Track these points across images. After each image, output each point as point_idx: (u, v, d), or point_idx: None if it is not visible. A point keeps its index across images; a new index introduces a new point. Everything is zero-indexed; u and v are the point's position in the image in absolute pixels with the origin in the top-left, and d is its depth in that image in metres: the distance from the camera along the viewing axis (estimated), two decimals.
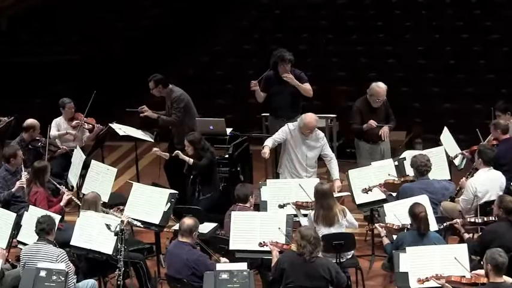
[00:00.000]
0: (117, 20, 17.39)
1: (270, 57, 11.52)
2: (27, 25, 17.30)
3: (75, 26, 17.19)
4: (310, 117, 10.52)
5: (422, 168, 9.47)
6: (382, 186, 9.77)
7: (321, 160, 10.81)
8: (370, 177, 9.90)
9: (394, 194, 9.70)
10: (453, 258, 7.99)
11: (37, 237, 8.70)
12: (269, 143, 10.63)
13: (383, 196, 9.80)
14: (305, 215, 9.29)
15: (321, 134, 10.72)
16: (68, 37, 16.99)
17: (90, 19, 17.33)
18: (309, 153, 10.62)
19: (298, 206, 9.42)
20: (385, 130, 11.03)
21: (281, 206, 9.45)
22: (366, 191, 9.77)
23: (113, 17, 17.47)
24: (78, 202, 9.84)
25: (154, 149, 11.01)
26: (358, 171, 10.07)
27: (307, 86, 11.35)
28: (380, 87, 11.02)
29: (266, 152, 10.52)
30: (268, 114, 11.83)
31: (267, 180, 10.25)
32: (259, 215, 8.98)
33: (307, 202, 9.40)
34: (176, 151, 10.59)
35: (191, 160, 10.46)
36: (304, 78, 11.38)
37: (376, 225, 9.03)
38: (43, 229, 8.61)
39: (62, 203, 9.85)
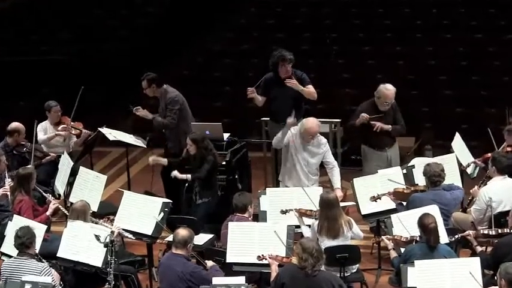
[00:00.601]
0: (108, 18, 17.40)
1: (270, 58, 11.50)
2: (12, 22, 17.31)
3: (64, 24, 17.19)
4: (311, 122, 10.51)
5: (435, 178, 9.45)
6: (392, 195, 9.76)
7: (323, 168, 10.79)
8: (376, 186, 9.89)
9: (405, 204, 9.69)
10: (465, 272, 7.97)
11: None
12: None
13: (390, 206, 9.79)
14: (308, 225, 9.28)
15: (323, 140, 10.71)
16: (56, 35, 16.99)
17: (80, 16, 17.34)
18: (310, 160, 10.63)
19: (301, 213, 9.41)
20: (380, 124, 10.97)
21: (283, 212, 9.45)
22: (375, 199, 9.75)
23: (105, 15, 17.48)
24: (66, 212, 9.83)
25: (151, 157, 10.98)
26: (364, 180, 10.05)
27: (310, 89, 11.34)
28: (388, 89, 11.02)
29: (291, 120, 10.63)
30: (268, 118, 11.82)
31: (267, 188, 10.24)
32: (258, 226, 8.97)
33: (311, 211, 9.39)
34: (173, 172, 10.55)
35: (189, 176, 10.47)
36: (306, 80, 11.38)
37: (383, 237, 9.01)
38: (22, 243, 8.56)
39: (48, 213, 9.83)
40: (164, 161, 10.97)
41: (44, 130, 12.00)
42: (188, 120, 11.59)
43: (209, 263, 8.62)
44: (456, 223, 9.72)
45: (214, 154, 10.66)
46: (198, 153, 10.54)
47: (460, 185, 10.21)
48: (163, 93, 11.56)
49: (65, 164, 11.15)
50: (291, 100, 11.35)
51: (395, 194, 9.77)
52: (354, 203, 10.02)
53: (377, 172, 10.22)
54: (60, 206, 9.99)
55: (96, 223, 9.29)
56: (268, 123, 11.85)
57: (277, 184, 11.08)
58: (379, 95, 11.04)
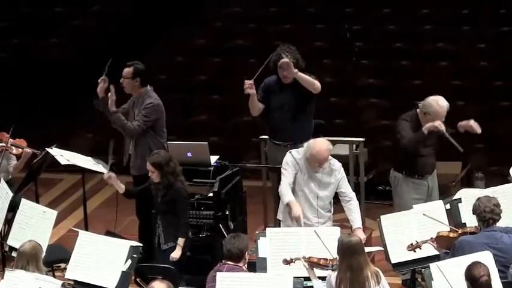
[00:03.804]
0: (59, 5, 17.46)
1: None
2: None
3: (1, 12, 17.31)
4: (320, 144, 10.46)
5: (487, 215, 9.48)
6: (435, 242, 9.79)
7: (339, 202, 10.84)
8: (410, 227, 9.94)
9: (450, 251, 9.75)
10: None
11: None
12: (289, 194, 10.47)
13: (430, 253, 9.84)
14: (322, 278, 9.32)
15: (337, 165, 10.66)
16: None
17: (20, 2, 17.42)
18: (321, 192, 10.65)
19: (312, 264, 9.43)
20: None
21: (287, 262, 9.48)
22: (413, 248, 9.75)
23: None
24: None
25: (109, 174, 10.91)
26: (394, 218, 10.11)
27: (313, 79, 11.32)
28: (442, 105, 11.00)
29: (299, 212, 10.36)
30: (267, 136, 11.90)
31: (267, 228, 10.27)
32: (255, 278, 9.00)
33: (326, 259, 9.43)
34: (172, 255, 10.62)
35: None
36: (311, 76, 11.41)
37: None
38: None
39: None
40: (121, 187, 10.98)
41: None
42: (161, 139, 11.58)
43: None
44: None
45: (182, 181, 10.66)
46: (163, 181, 10.55)
47: None
48: (143, 95, 11.54)
49: (2, 195, 11.21)
50: (295, 113, 11.42)
51: (440, 241, 9.76)
52: (382, 249, 10.10)
53: (412, 207, 10.29)
54: None
55: (47, 273, 9.33)
56: (268, 143, 11.92)
57: (279, 223, 11.11)
58: (428, 110, 11.02)
